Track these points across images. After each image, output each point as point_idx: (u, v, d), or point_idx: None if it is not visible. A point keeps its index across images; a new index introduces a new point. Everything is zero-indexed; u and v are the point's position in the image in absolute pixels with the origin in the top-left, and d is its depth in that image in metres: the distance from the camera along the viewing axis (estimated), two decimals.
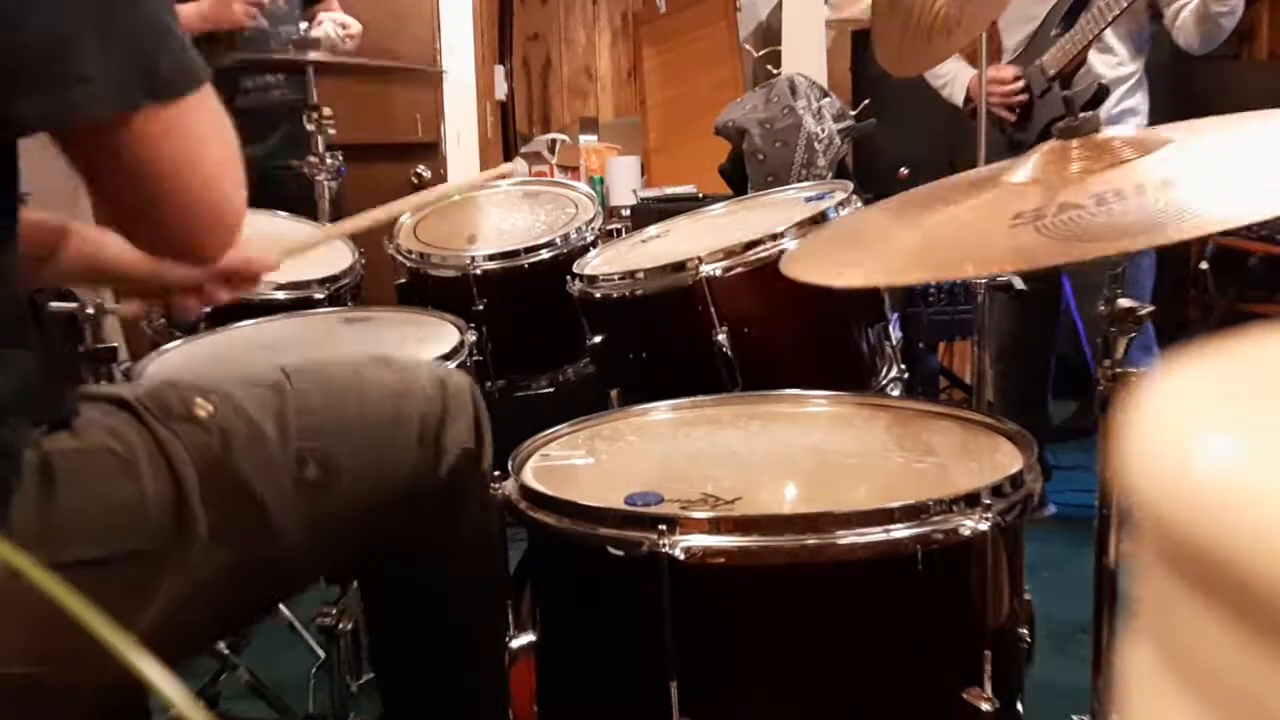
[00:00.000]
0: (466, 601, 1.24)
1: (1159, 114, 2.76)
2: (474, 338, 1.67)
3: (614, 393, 1.69)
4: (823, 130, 3.21)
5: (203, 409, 1.01)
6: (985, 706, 0.98)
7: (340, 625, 1.56)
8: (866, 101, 3.53)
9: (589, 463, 1.24)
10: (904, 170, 3.62)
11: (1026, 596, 1.09)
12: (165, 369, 1.59)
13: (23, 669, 0.87)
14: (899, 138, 3.58)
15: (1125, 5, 2.48)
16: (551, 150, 4.16)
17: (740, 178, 3.29)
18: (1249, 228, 3.56)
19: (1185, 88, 3.55)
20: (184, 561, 0.96)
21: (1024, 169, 1.12)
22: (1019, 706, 1.09)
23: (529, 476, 1.14)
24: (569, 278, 1.72)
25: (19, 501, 0.87)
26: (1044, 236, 0.96)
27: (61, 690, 0.89)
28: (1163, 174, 0.99)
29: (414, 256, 2.12)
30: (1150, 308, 1.15)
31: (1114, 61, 2.73)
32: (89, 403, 0.97)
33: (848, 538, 0.95)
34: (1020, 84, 2.74)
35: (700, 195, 3.31)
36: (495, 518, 1.23)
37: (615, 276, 1.64)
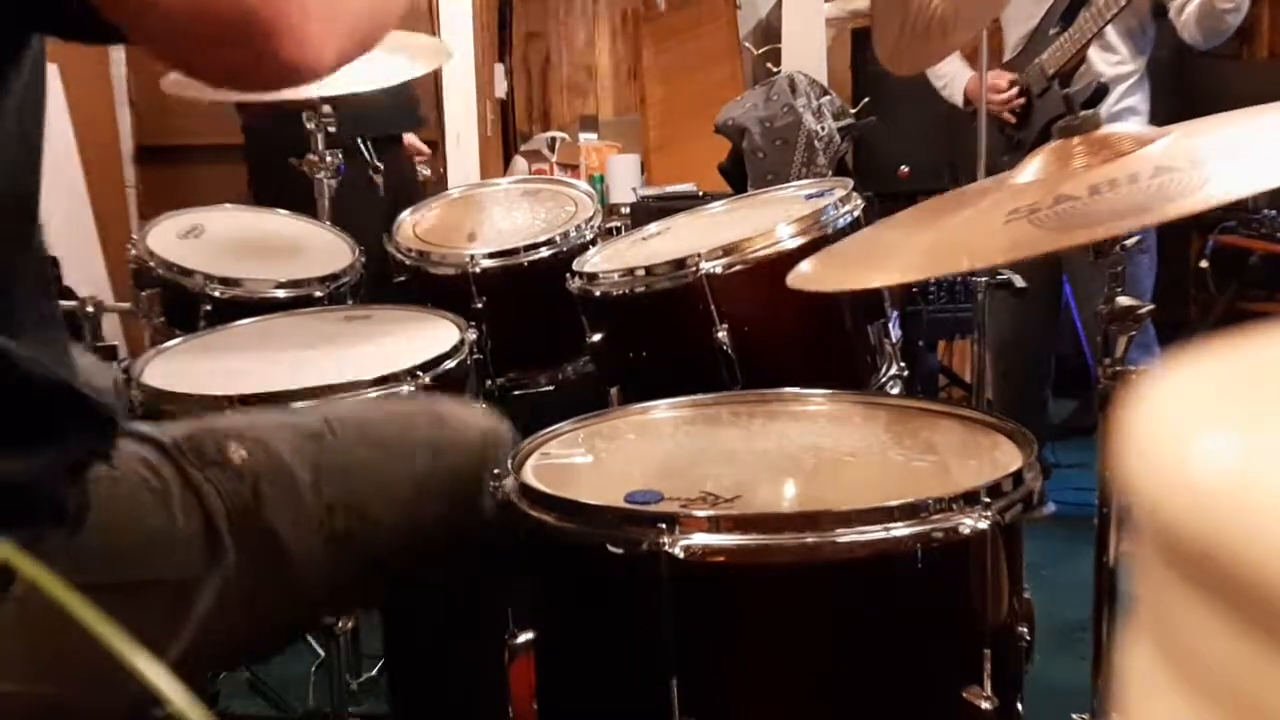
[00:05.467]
0: (475, 620, 1.26)
1: (1159, 112, 2.76)
2: (473, 336, 1.67)
3: (614, 391, 1.68)
4: (823, 128, 3.21)
5: (236, 454, 1.01)
6: (985, 705, 0.98)
7: (340, 624, 1.56)
8: (866, 100, 3.54)
9: (589, 461, 1.24)
10: (904, 168, 3.63)
11: (1026, 595, 1.09)
12: (165, 366, 1.59)
13: (36, 688, 0.87)
14: (899, 136, 3.58)
15: (1124, 3, 2.48)
16: (551, 148, 4.16)
17: (740, 176, 3.30)
18: (1249, 226, 3.58)
19: (1185, 86, 3.56)
20: (209, 597, 0.96)
21: (1028, 171, 1.12)
22: (1019, 705, 1.09)
23: (529, 475, 1.14)
24: (569, 275, 1.72)
25: (55, 532, 0.88)
26: (1038, 228, 0.96)
27: (72, 708, 0.89)
28: (1157, 162, 0.99)
29: (413, 254, 2.12)
30: (1150, 306, 1.15)
31: (1115, 60, 2.73)
32: (125, 438, 0.97)
33: (847, 536, 0.95)
34: (1015, 90, 2.74)
35: (700, 193, 3.31)
36: (517, 551, 1.24)
37: (615, 274, 1.64)
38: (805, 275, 1.19)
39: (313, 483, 1.05)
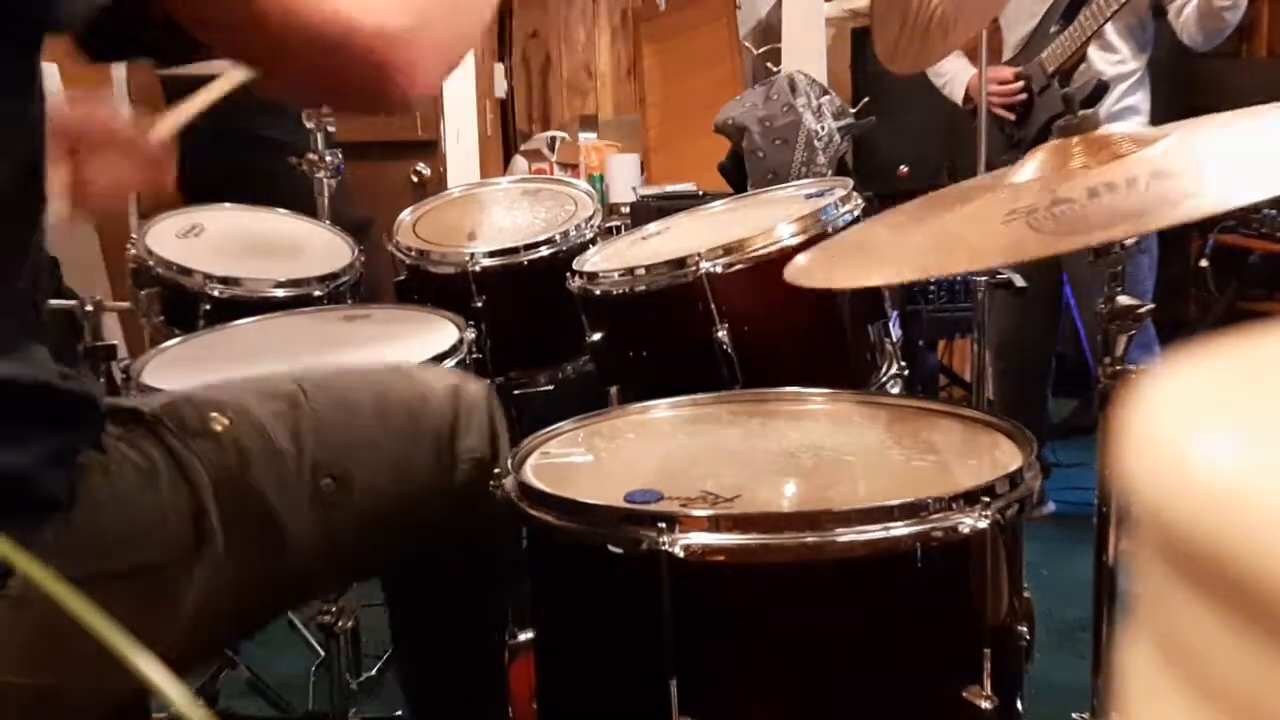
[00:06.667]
0: (475, 598, 1.25)
1: (1160, 111, 2.76)
2: (473, 335, 1.67)
3: (613, 390, 1.68)
4: (822, 128, 3.21)
5: (219, 424, 1.01)
6: (985, 704, 0.98)
7: (340, 623, 1.56)
8: (866, 99, 3.53)
9: (588, 460, 1.24)
10: (904, 168, 3.63)
11: (1026, 594, 1.09)
12: (164, 366, 1.59)
13: (33, 679, 0.87)
14: (899, 135, 3.58)
15: (1123, 1, 2.48)
16: (551, 148, 4.16)
17: (740, 175, 3.29)
18: (1249, 225, 3.58)
19: (1185, 85, 3.56)
20: (202, 575, 0.96)
21: (1026, 170, 1.12)
22: (1018, 704, 1.09)
23: (529, 474, 1.14)
24: (569, 275, 1.72)
25: (48, 523, 0.88)
26: (1036, 230, 0.96)
27: (69, 699, 0.89)
28: (1155, 167, 0.99)
29: (413, 254, 2.12)
30: (1150, 305, 1.15)
31: (1115, 59, 2.73)
32: (110, 417, 0.97)
33: (847, 535, 0.95)
34: (1019, 84, 2.74)
35: (700, 193, 3.31)
36: (508, 518, 1.24)
37: (615, 273, 1.64)
38: (803, 269, 1.19)
39: (295, 449, 1.05)
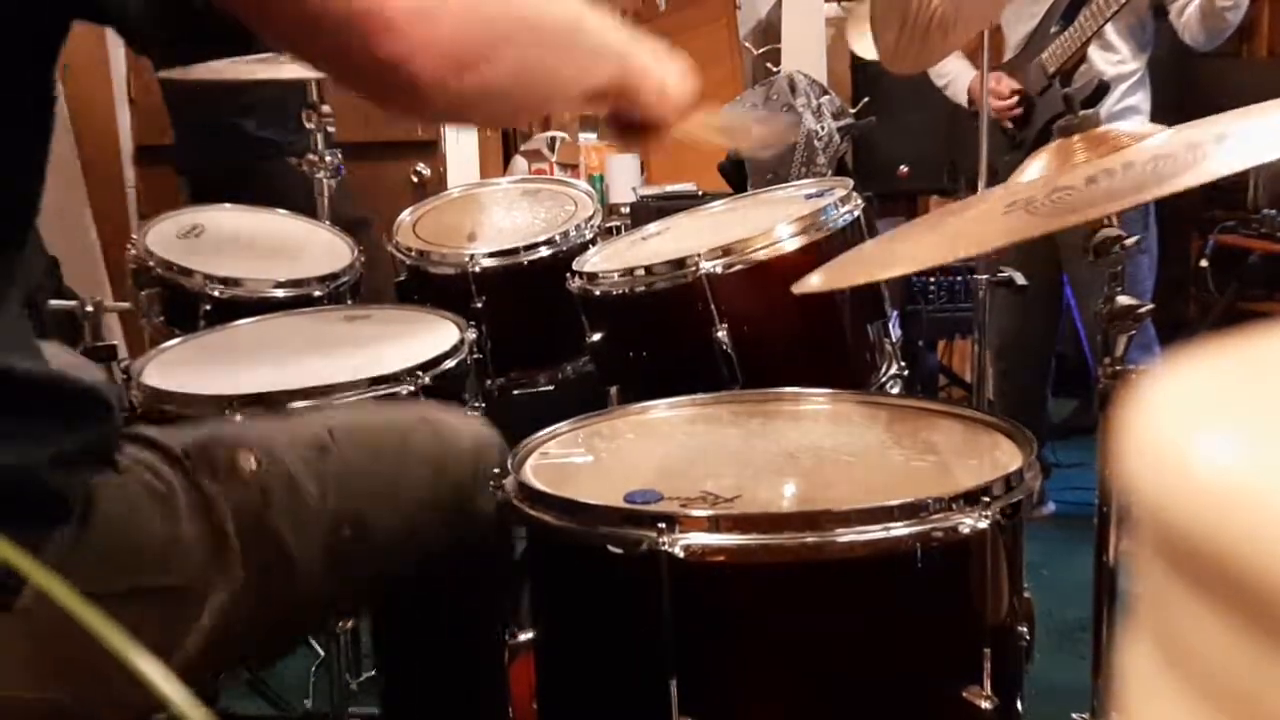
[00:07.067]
0: (474, 599, 1.26)
1: (1160, 111, 2.76)
2: (473, 335, 1.67)
3: (613, 390, 1.68)
4: (822, 128, 3.21)
5: (246, 464, 1.02)
6: (985, 705, 0.98)
7: (340, 624, 1.56)
8: (866, 99, 3.54)
9: (588, 461, 1.24)
10: (904, 168, 3.63)
11: (1026, 594, 1.09)
12: (164, 366, 1.59)
13: (41, 694, 0.87)
14: (899, 135, 3.58)
15: (1124, 1, 2.48)
16: (551, 148, 4.15)
17: (740, 176, 3.29)
18: (1249, 226, 3.58)
19: (1185, 85, 3.56)
20: (215, 605, 0.97)
21: (1030, 171, 1.12)
22: (1018, 705, 1.09)
23: (528, 474, 1.14)
24: (568, 275, 1.72)
25: (57, 531, 0.88)
26: (1034, 215, 0.96)
27: (78, 714, 0.89)
28: (1154, 151, 0.99)
29: (413, 254, 2.12)
30: (1150, 306, 1.15)
31: (1115, 59, 2.73)
32: (134, 443, 0.97)
33: (847, 535, 0.95)
34: (1014, 100, 2.75)
35: (700, 193, 3.31)
36: (510, 553, 1.25)
37: (615, 274, 1.64)
38: (812, 285, 1.19)
39: (319, 494, 1.06)
